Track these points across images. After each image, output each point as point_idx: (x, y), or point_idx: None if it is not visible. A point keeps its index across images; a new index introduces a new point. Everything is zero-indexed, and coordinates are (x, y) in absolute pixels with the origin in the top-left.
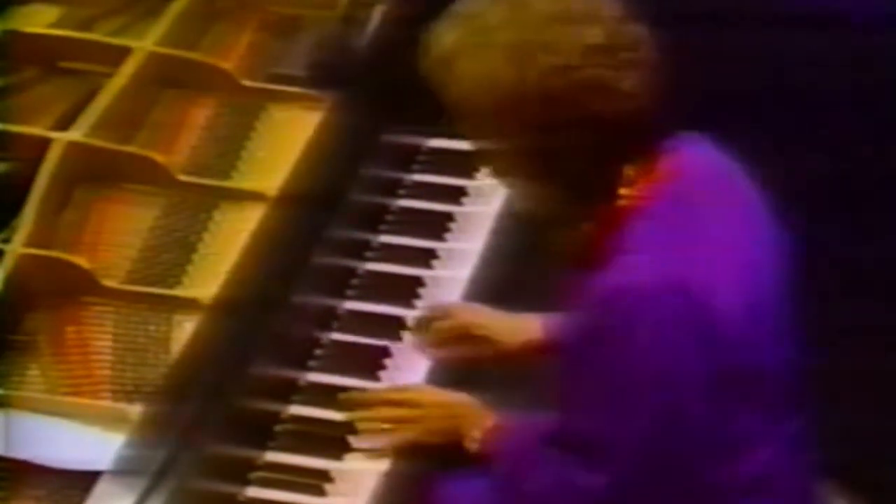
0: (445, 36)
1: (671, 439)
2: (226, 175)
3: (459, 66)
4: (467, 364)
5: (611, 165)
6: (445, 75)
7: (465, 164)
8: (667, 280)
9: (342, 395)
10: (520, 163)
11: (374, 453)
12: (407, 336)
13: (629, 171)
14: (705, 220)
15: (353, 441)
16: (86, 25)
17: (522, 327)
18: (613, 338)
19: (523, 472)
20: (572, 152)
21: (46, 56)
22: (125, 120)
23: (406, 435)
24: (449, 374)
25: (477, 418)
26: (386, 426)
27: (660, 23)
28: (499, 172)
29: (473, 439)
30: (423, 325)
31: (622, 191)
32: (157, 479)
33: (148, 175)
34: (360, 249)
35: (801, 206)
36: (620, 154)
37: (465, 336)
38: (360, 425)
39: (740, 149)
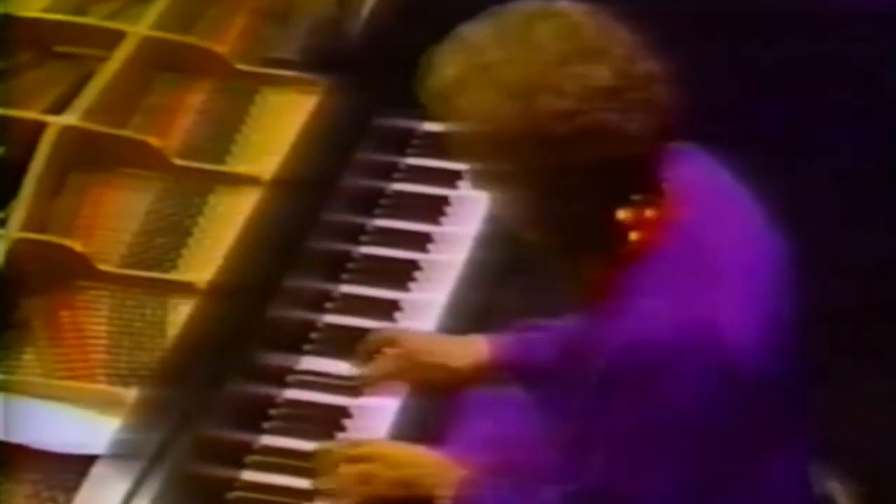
0: (446, 67)
1: (697, 487)
2: (221, 159)
3: (459, 102)
4: (420, 390)
5: (615, 207)
6: (444, 109)
7: None
8: (685, 329)
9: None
10: (520, 203)
11: None
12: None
13: (636, 209)
14: (714, 251)
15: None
16: (80, 9)
17: (469, 350)
18: (635, 391)
19: None
20: (573, 195)
21: (41, 40)
22: (120, 104)
23: (368, 490)
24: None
25: (442, 471)
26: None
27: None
28: (502, 210)
29: (443, 495)
30: (369, 353)
31: (631, 233)
32: (153, 462)
33: (143, 159)
34: (356, 233)
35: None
36: (625, 195)
37: (413, 364)
38: (323, 488)
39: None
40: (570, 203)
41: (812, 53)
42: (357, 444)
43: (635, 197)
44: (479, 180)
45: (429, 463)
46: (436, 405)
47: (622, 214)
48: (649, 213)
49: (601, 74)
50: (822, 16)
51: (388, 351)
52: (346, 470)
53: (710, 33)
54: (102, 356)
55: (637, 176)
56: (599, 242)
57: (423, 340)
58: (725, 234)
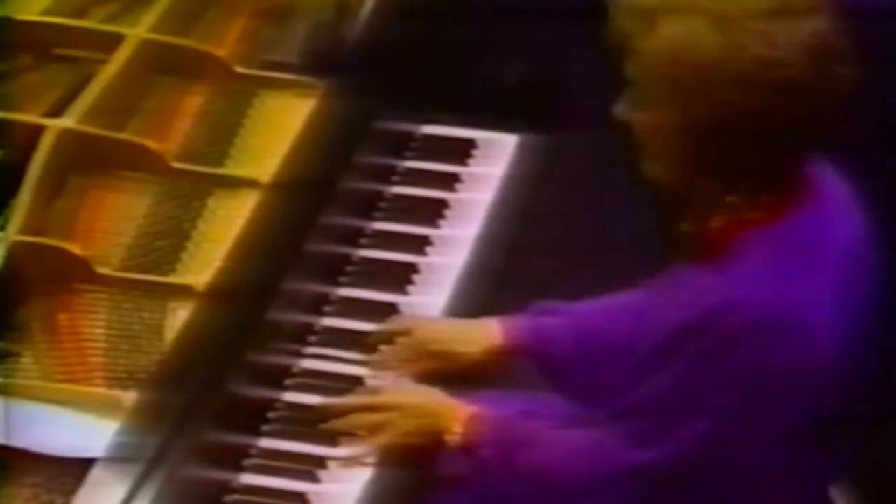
0: None
1: (734, 446)
2: (219, 162)
3: (662, 23)
4: (432, 379)
5: (768, 168)
6: (643, 27)
7: (458, 151)
8: (777, 304)
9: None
10: (681, 138)
11: (353, 462)
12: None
13: (777, 178)
14: (825, 247)
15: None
16: (79, 12)
17: (481, 335)
18: (710, 347)
19: (518, 453)
20: (739, 143)
21: (40, 43)
22: (119, 107)
23: (384, 439)
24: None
25: (452, 411)
26: (363, 432)
27: None
28: (651, 142)
29: (453, 433)
30: (382, 341)
31: (763, 197)
32: (151, 466)
33: (141, 162)
34: (354, 236)
35: None
36: (782, 160)
37: (424, 353)
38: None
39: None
40: (734, 149)
41: None
42: (374, 392)
43: (787, 168)
44: (650, 104)
45: (441, 408)
46: None
47: (777, 179)
48: (785, 187)
49: (810, 33)
50: None
51: (400, 341)
52: (362, 418)
53: None
54: (101, 359)
55: (803, 147)
56: (744, 196)
57: (433, 329)
58: (837, 238)
